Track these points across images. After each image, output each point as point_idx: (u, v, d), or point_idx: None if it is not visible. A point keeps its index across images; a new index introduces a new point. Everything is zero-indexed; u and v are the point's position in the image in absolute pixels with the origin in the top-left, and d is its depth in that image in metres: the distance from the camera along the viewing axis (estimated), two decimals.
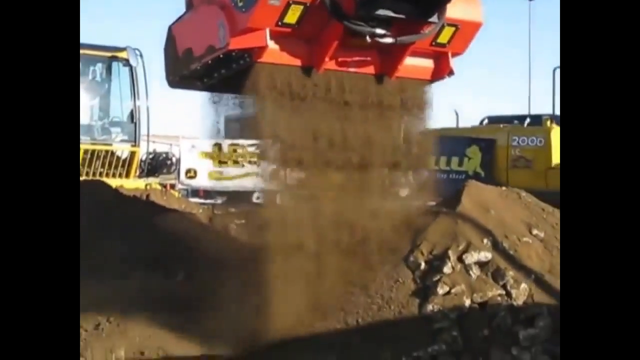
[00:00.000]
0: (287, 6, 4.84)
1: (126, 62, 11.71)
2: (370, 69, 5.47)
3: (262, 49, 4.98)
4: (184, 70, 5.73)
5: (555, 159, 11.42)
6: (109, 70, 11.95)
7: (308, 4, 4.88)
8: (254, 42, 4.95)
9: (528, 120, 12.54)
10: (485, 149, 12.20)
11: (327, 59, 5.19)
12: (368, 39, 5.06)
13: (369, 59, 5.42)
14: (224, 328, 5.11)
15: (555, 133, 11.57)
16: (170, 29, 5.93)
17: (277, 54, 5.08)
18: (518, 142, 11.83)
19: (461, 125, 13.77)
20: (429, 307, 5.04)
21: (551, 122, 11.75)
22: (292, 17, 4.90)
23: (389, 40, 5.13)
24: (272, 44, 5.00)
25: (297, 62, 5.20)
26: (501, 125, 12.61)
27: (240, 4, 4.90)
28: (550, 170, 11.39)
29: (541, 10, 46.46)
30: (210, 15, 5.18)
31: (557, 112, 12.01)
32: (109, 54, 11.69)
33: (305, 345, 4.83)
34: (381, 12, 4.98)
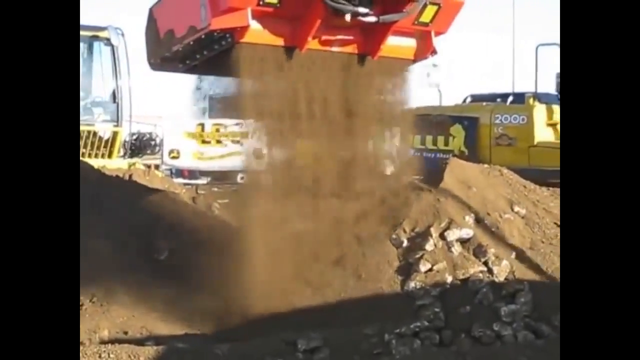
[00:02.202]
0: None
1: (108, 42, 11.62)
2: (353, 49, 5.46)
3: (244, 29, 4.95)
4: (165, 52, 5.67)
5: (538, 136, 11.47)
6: (90, 49, 11.86)
7: None
8: (235, 22, 4.91)
9: (511, 98, 12.55)
10: (469, 127, 12.22)
11: (309, 39, 5.17)
12: (350, 17, 5.06)
13: (351, 38, 5.41)
14: (207, 307, 5.14)
15: (538, 111, 11.60)
16: (151, 10, 5.86)
17: (259, 33, 5.06)
18: (501, 120, 11.85)
19: (444, 103, 13.77)
20: (412, 284, 5.09)
21: (534, 99, 11.77)
22: None
23: (371, 19, 5.13)
24: (254, 24, 4.97)
25: (280, 41, 5.18)
26: (484, 104, 12.62)
27: None
28: (532, 147, 11.43)
29: None
30: None
31: (540, 89, 12.01)
32: (90, 34, 11.58)
33: (287, 323, 4.85)
34: None
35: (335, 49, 5.38)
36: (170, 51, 5.57)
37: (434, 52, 5.65)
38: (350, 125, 5.56)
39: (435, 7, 5.36)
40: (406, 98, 5.84)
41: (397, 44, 5.52)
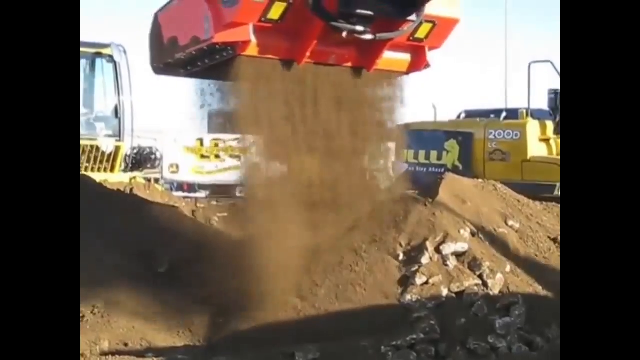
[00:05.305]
0: (271, 3, 4.96)
1: (110, 58, 11.72)
2: (350, 62, 5.60)
3: (246, 43, 5.09)
4: (168, 59, 5.83)
5: (531, 151, 11.56)
6: (92, 66, 11.96)
7: (291, 1, 5.00)
8: (238, 36, 5.05)
9: (504, 114, 12.66)
10: (463, 142, 12.31)
11: (307, 53, 5.30)
12: (347, 34, 5.18)
13: (348, 52, 5.55)
14: (207, 319, 5.19)
15: (531, 126, 11.70)
16: (156, 15, 6.00)
17: (260, 47, 5.19)
18: (495, 136, 11.94)
19: (439, 119, 13.86)
20: (408, 297, 5.14)
21: (527, 115, 11.88)
22: (275, 13, 5.01)
23: (368, 36, 5.26)
24: (255, 38, 5.10)
25: (279, 55, 5.31)
26: (478, 119, 12.72)
27: None
28: (526, 162, 11.52)
29: (518, 1, 46.65)
30: (196, 6, 5.25)
31: (533, 105, 12.12)
32: (93, 50, 11.68)
33: (285, 335, 4.89)
34: (362, 10, 5.11)
35: (332, 62, 5.51)
36: (173, 58, 5.71)
37: (427, 65, 5.79)
38: (345, 138, 5.65)
39: (430, 25, 5.50)
40: (400, 111, 5.95)
41: (391, 58, 5.65)
